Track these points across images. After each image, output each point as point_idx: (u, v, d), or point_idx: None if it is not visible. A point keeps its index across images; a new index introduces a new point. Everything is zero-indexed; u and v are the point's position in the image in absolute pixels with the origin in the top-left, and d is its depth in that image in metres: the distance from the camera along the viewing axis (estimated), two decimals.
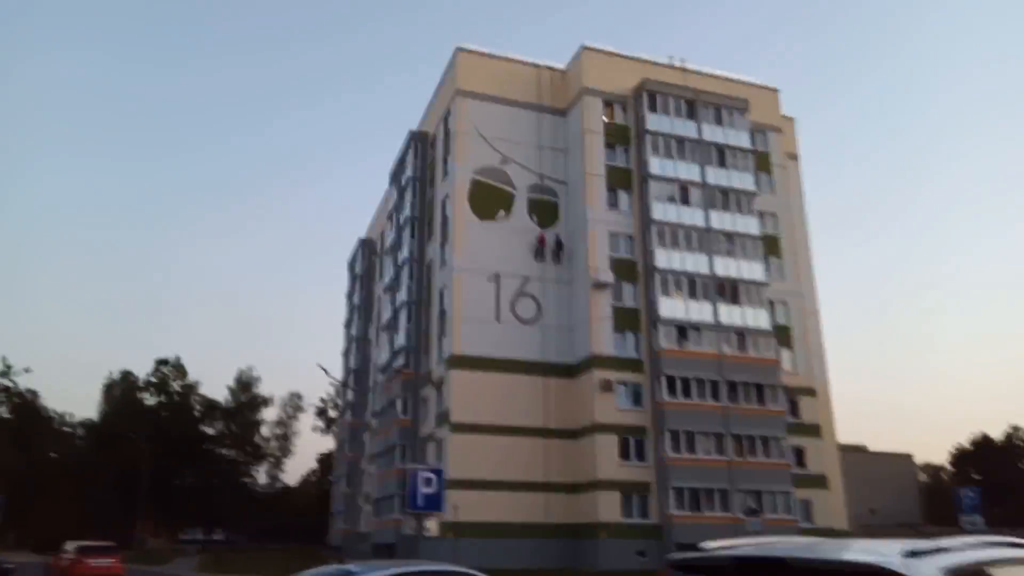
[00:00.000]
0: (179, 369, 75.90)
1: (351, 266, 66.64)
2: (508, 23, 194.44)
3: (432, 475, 16.96)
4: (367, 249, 62.60)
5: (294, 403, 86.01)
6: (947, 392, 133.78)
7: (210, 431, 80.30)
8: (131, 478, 67.49)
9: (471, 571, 9.37)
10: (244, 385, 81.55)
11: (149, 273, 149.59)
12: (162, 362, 74.97)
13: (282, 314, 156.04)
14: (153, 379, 74.87)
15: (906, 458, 79.58)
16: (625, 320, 37.07)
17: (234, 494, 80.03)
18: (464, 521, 29.87)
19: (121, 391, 75.27)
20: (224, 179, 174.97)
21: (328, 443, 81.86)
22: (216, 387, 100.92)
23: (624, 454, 35.11)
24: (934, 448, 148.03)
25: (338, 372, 66.48)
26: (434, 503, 16.64)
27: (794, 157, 45.82)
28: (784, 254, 41.79)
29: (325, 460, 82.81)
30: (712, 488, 34.54)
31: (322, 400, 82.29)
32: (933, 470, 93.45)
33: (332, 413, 78.94)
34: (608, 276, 36.99)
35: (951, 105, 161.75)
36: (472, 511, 31.41)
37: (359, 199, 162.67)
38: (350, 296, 66.01)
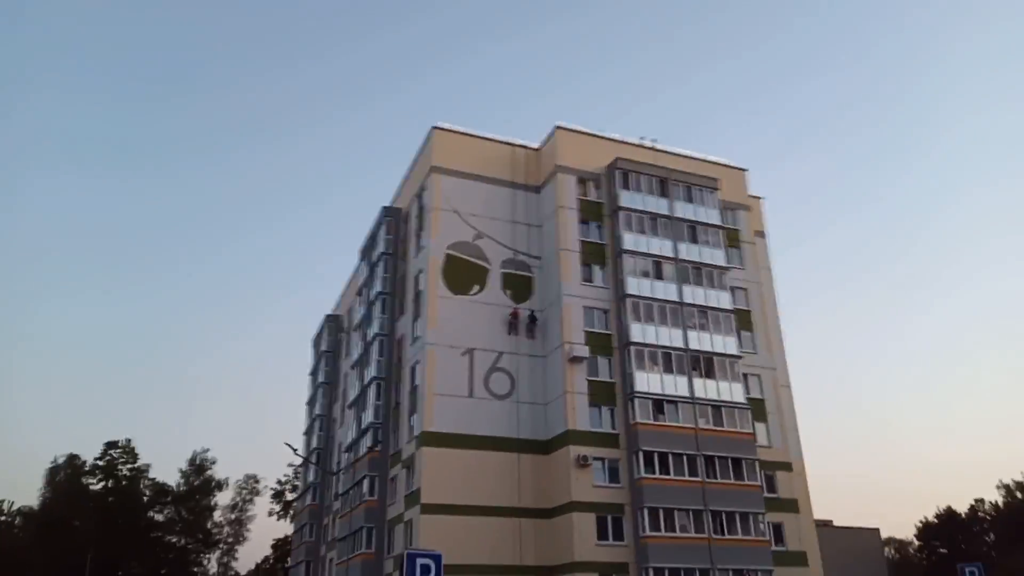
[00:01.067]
0: (129, 452, 72.62)
1: (316, 343, 65.23)
2: (484, 105, 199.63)
3: (430, 560, 15.90)
4: (334, 325, 61.54)
5: (250, 486, 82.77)
6: (908, 466, 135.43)
7: (159, 517, 76.57)
8: (73, 569, 63.66)
9: None
10: (198, 468, 78.26)
11: (104, 353, 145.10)
12: (111, 444, 71.69)
13: (240, 394, 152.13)
14: (100, 463, 71.38)
15: (873, 532, 79.15)
16: (601, 394, 36.60)
17: None
18: None
19: (66, 476, 71.48)
20: (175, 252, 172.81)
21: (285, 528, 78.55)
22: (169, 470, 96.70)
23: (602, 534, 33.97)
24: (898, 522, 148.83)
25: (300, 452, 64.29)
26: None
27: (762, 235, 46.84)
28: (755, 328, 42.26)
29: (281, 546, 79.16)
30: (693, 568, 33.53)
31: (279, 482, 79.26)
32: (898, 544, 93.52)
33: (290, 496, 76.00)
34: (583, 350, 36.72)
35: (910, 185, 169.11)
36: None
37: (319, 276, 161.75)
38: (314, 374, 64.31)
